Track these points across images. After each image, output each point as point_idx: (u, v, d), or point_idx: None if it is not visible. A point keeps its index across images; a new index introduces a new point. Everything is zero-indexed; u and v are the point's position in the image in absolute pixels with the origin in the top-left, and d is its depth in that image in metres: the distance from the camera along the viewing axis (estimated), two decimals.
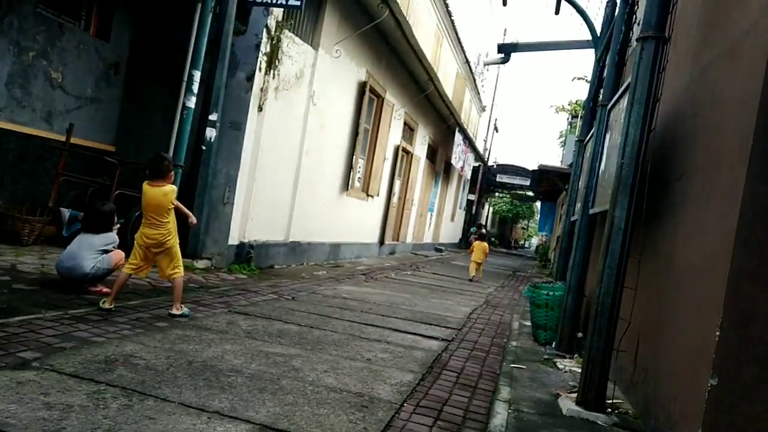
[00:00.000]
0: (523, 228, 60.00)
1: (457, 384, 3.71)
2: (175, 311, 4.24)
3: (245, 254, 7.66)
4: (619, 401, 3.73)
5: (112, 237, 4.72)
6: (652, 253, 3.72)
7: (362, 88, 10.91)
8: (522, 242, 59.04)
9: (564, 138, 21.46)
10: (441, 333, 5.29)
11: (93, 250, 4.54)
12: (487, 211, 41.17)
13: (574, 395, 3.58)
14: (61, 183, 6.51)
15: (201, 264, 6.89)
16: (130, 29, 7.56)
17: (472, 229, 17.10)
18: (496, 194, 40.34)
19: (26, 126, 6.39)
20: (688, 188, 3.25)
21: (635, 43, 3.62)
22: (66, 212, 6.55)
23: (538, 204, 34.53)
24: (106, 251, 4.63)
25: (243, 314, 4.78)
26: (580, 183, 6.32)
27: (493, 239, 42.59)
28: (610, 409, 3.46)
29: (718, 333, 2.42)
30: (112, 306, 4.13)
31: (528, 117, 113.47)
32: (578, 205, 5.79)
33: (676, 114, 3.75)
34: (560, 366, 4.61)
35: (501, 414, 3.23)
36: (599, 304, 3.42)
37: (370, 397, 3.14)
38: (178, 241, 4.34)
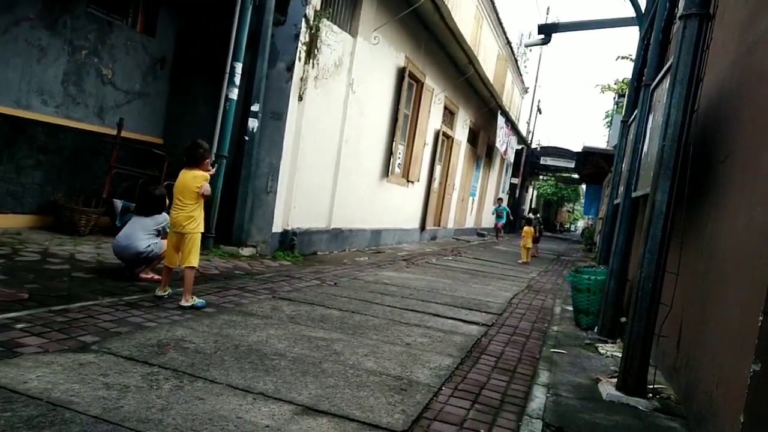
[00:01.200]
0: (568, 211, 58.85)
1: (495, 368, 3.74)
2: (184, 302, 4.14)
3: (289, 241, 7.84)
4: (662, 386, 3.69)
5: (164, 217, 4.87)
6: (694, 237, 3.64)
7: (401, 73, 10.91)
8: (568, 225, 57.94)
9: (610, 118, 20.86)
10: (481, 318, 5.32)
11: (146, 231, 4.75)
12: (531, 194, 40.53)
13: (615, 380, 3.56)
14: (113, 175, 6.81)
15: (246, 252, 7.11)
16: (175, 25, 7.78)
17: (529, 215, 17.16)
18: (541, 177, 39.64)
19: (81, 122, 6.69)
20: (732, 170, 3.17)
21: (678, 21, 3.51)
22: (119, 203, 6.86)
23: (584, 186, 33.77)
24: (159, 232, 4.84)
25: (287, 300, 4.93)
26: (623, 165, 6.19)
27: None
28: (651, 395, 3.44)
29: (761, 318, 2.38)
30: (165, 293, 4.33)
31: (573, 97, 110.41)
32: (621, 188, 5.68)
33: (721, 94, 3.64)
34: (602, 351, 4.58)
35: (539, 398, 3.25)
36: (640, 289, 3.38)
37: (408, 380, 3.21)
38: (200, 235, 4.28)
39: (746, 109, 3.12)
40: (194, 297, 4.23)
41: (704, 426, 2.89)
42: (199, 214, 4.28)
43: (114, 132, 6.81)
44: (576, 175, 30.15)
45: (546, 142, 34.42)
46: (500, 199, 21.47)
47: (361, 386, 3.01)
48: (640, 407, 3.26)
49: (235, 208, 7.08)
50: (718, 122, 3.57)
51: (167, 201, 4.96)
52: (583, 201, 36.87)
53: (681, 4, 4.54)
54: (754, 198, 2.73)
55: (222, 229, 6.98)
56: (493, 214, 21.34)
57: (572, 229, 57.39)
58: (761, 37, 3.03)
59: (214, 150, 6.83)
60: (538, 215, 16.14)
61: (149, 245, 4.73)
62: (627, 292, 5.22)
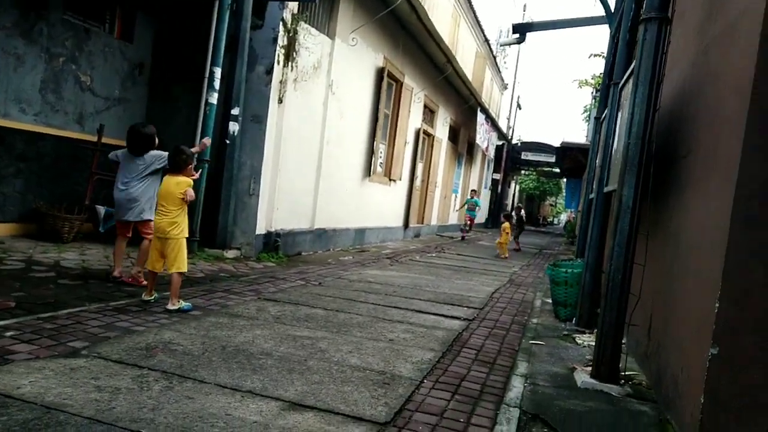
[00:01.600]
0: (551, 205, 59.47)
1: (476, 361, 3.88)
2: (170, 306, 4.20)
3: (273, 243, 7.92)
4: (635, 373, 3.86)
5: (152, 156, 4.93)
6: (661, 230, 3.81)
7: (380, 73, 11.02)
8: (551, 219, 58.55)
9: (588, 113, 21.21)
10: (463, 313, 5.47)
11: (137, 174, 4.88)
12: (513, 189, 40.93)
13: (590, 369, 3.72)
14: (95, 182, 6.83)
15: (231, 254, 7.17)
16: (152, 30, 7.80)
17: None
18: (522, 172, 40.06)
19: (60, 129, 6.70)
20: (692, 166, 3.34)
21: (639, 24, 3.67)
22: (101, 209, 6.88)
23: (565, 180, 34.20)
24: (149, 173, 4.93)
25: (272, 300, 5.03)
26: (597, 161, 6.37)
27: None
28: (623, 381, 3.60)
29: (717, 305, 2.54)
30: (151, 297, 4.40)
31: (552, 92, 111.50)
32: (595, 184, 5.86)
33: (683, 91, 3.81)
34: (579, 341, 4.75)
35: (517, 387, 3.40)
36: (610, 280, 3.54)
37: (391, 374, 3.34)
38: (184, 240, 4.35)
39: (703, 107, 3.29)
40: (180, 300, 4.30)
41: (672, 409, 3.06)
42: (183, 220, 4.35)
43: (95, 138, 6.83)
44: (557, 170, 30.53)
45: (527, 138, 34.77)
46: (474, 191, 19.23)
47: (346, 381, 3.12)
48: (613, 393, 3.42)
49: (218, 212, 7.14)
50: (680, 120, 3.74)
51: (156, 140, 5.06)
52: (564, 195, 37.36)
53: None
54: (710, 192, 2.90)
55: (206, 233, 7.04)
56: (463, 206, 18.48)
57: (555, 222, 58.02)
58: (714, 38, 3.20)
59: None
60: (522, 212, 16.31)
61: (140, 194, 4.87)
62: (603, 284, 5.39)
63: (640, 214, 3.52)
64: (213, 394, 2.73)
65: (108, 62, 7.23)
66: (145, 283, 4.70)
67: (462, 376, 3.50)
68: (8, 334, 3.24)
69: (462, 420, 2.79)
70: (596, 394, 3.40)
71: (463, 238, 16.41)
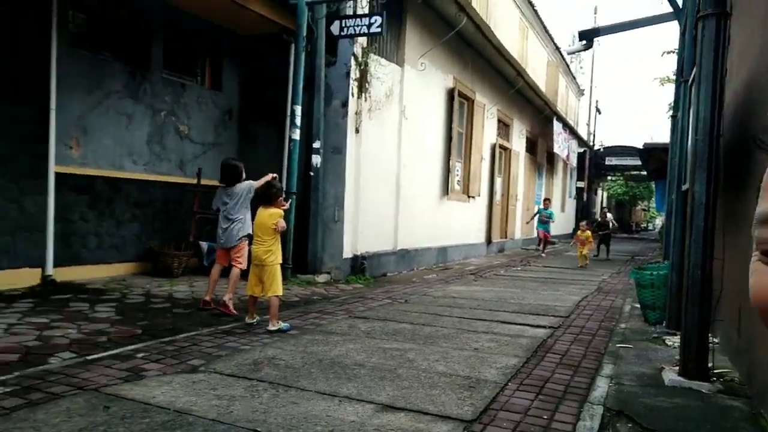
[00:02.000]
0: (643, 209, 56.65)
1: (560, 364, 3.98)
2: (271, 327, 4.60)
3: (359, 265, 8.31)
4: (727, 370, 3.81)
5: (248, 184, 5.37)
6: (739, 224, 3.77)
7: (451, 94, 11.30)
8: (644, 225, 55.74)
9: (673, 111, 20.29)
10: (548, 321, 5.53)
11: (235, 204, 5.31)
12: (600, 196, 39.50)
13: (678, 368, 3.72)
14: (197, 220, 7.53)
15: (321, 278, 7.62)
16: (238, 77, 8.55)
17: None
18: (609, 178, 38.62)
19: (166, 175, 7.49)
20: (765, 158, 3.32)
21: (698, 21, 3.72)
22: (204, 245, 7.57)
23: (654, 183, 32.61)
24: (248, 199, 5.36)
25: (362, 318, 5.35)
26: (676, 160, 6.25)
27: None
28: (714, 378, 3.57)
29: None
30: (254, 320, 4.85)
31: (634, 93, 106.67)
32: (675, 183, 5.77)
33: (752, 82, 3.79)
34: (669, 343, 4.69)
35: (601, 387, 3.47)
36: (689, 277, 3.56)
37: (476, 379, 3.53)
38: (279, 266, 4.75)
39: None
40: (279, 321, 4.71)
41: (766, 403, 3.03)
42: (277, 248, 4.78)
43: (194, 181, 7.55)
44: (645, 172, 29.25)
45: (610, 142, 33.66)
46: (547, 200, 16.58)
47: (433, 386, 3.35)
48: (703, 390, 3.41)
49: (307, 239, 7.64)
50: (751, 114, 3.72)
51: (243, 173, 5.48)
52: (655, 198, 35.58)
53: None
54: None
55: (297, 259, 7.54)
56: (533, 218, 16.37)
57: (650, 228, 55.15)
58: None
59: (284, 187, 7.42)
60: (608, 217, 15.69)
61: (235, 221, 5.29)
62: (684, 282, 5.29)
63: (716, 210, 3.53)
64: (314, 400, 3.05)
65: (202, 111, 8.00)
66: (234, 312, 5.14)
67: (546, 378, 3.62)
68: (139, 355, 3.75)
69: (545, 417, 2.93)
70: (684, 392, 3.41)
71: (541, 252, 14.92)
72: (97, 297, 5.62)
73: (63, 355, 3.71)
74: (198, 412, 2.78)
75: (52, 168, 6.01)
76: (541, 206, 16.06)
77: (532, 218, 16.51)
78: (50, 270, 6.05)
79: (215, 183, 8.14)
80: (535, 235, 18.98)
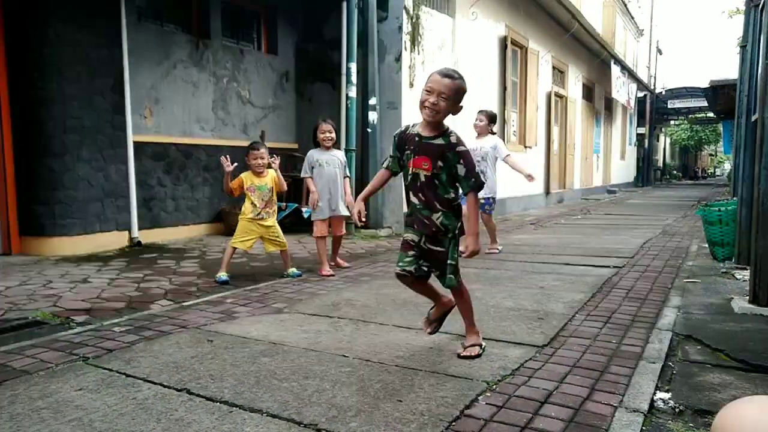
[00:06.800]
0: (710, 154, 54.08)
1: (626, 298, 4.07)
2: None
3: None
4: None
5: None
6: None
7: (504, 42, 11.11)
8: (711, 170, 53.27)
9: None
10: (612, 262, 5.58)
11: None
12: (663, 142, 37.91)
13: (749, 297, 3.74)
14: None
15: (383, 232, 7.87)
16: (292, 40, 8.72)
17: None
18: (672, 122, 36.93)
19: (231, 139, 7.83)
20: None
21: None
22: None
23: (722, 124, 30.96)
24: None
25: None
26: (745, 93, 6.03)
27: (673, 171, 39.17)
28: None
29: None
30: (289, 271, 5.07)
31: (697, 30, 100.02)
32: (743, 116, 5.60)
33: None
34: (738, 276, 4.67)
35: (669, 316, 3.56)
36: (760, 205, 3.55)
37: (544, 312, 3.68)
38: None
39: None
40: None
41: None
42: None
43: None
44: (711, 114, 27.81)
45: (672, 84, 31.96)
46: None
47: (503, 319, 3.53)
48: None
49: None
50: None
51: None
52: (723, 140, 33.85)
53: None
54: None
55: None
56: None
57: (718, 173, 52.64)
58: None
59: (343, 145, 7.63)
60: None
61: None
62: (754, 211, 5.19)
63: None
64: (393, 332, 3.29)
65: (260, 76, 8.26)
66: (346, 265, 5.42)
67: (613, 310, 3.74)
68: (228, 300, 4.10)
69: (614, 341, 3.07)
70: (754, 318, 3.45)
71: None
72: (181, 255, 6.07)
73: (162, 303, 4.11)
74: (290, 342, 3.07)
75: (131, 137, 6.42)
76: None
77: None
78: (136, 232, 6.54)
79: (276, 144, 8.48)
80: (595, 184, 18.59)
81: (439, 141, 2.74)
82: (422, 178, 2.74)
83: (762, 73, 3.53)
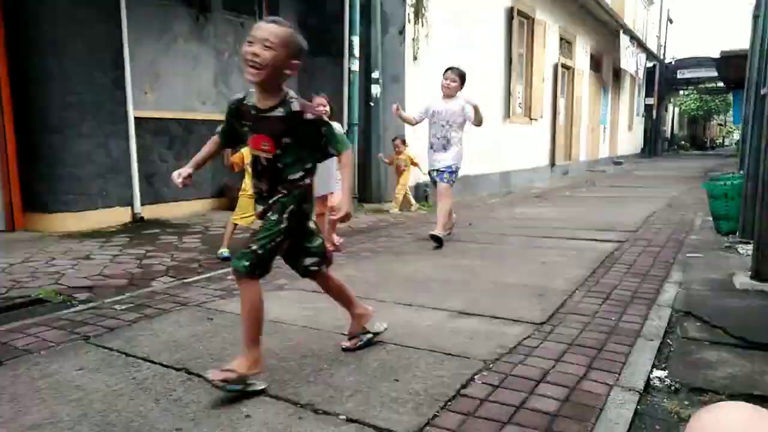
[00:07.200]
0: (719, 124, 53.37)
1: (627, 273, 4.06)
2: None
3: (422, 193, 8.47)
4: None
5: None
6: None
7: (510, 13, 10.90)
8: (720, 141, 52.65)
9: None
10: (615, 236, 5.55)
11: None
12: (671, 113, 37.41)
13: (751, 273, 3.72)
14: None
15: (386, 206, 7.85)
16: (295, 12, 8.58)
17: None
18: (681, 93, 36.37)
19: None
20: None
21: None
22: None
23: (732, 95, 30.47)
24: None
25: (429, 240, 5.54)
26: (756, 64, 5.90)
27: (681, 142, 38.74)
28: None
29: None
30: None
31: None
32: (754, 89, 5.49)
33: None
34: (741, 251, 4.64)
35: (669, 292, 3.55)
36: (765, 182, 3.50)
37: (544, 288, 3.68)
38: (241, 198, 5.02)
39: None
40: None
41: None
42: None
43: None
44: (721, 84, 27.36)
45: (682, 54, 31.37)
46: None
47: (503, 295, 3.53)
48: None
49: (371, 169, 7.83)
50: None
51: None
52: (732, 111, 33.35)
53: None
54: None
55: (363, 190, 7.77)
56: None
57: (727, 143, 52.04)
58: None
59: (345, 119, 7.58)
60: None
61: None
62: (759, 187, 5.13)
63: None
64: (393, 308, 3.30)
65: None
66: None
67: (614, 286, 3.73)
68: (229, 277, 4.09)
69: (613, 318, 3.07)
70: (756, 294, 3.44)
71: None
72: (183, 230, 6.09)
73: (163, 280, 4.13)
74: (290, 320, 3.09)
75: (131, 113, 6.38)
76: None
77: None
78: (138, 208, 6.55)
79: None
80: (602, 156, 18.41)
81: (279, 112, 2.20)
82: (263, 162, 2.25)
83: None
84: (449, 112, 5.33)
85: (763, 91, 4.71)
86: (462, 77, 5.38)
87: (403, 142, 7.56)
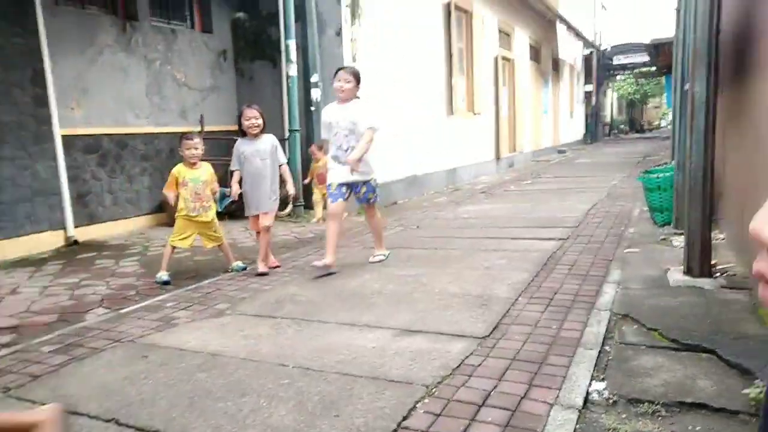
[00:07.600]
0: (655, 107, 55.42)
1: (569, 275, 4.13)
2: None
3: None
4: (731, 265, 3.93)
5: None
6: (743, 121, 3.76)
7: (447, 9, 10.93)
8: (657, 123, 54.70)
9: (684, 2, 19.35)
10: (557, 234, 5.65)
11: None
12: (610, 98, 38.59)
13: (683, 267, 3.84)
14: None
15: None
16: (228, 17, 8.34)
17: None
18: (618, 77, 37.55)
19: (168, 126, 7.50)
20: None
21: None
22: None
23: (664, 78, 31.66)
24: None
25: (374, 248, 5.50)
26: (680, 58, 6.11)
27: (621, 126, 40.06)
28: (718, 274, 3.70)
29: None
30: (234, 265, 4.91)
31: None
32: (680, 82, 5.68)
33: None
34: (675, 243, 4.80)
35: (608, 293, 3.62)
36: (691, 178, 3.61)
37: (488, 296, 3.69)
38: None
39: None
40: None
41: None
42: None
43: (198, 128, 7.57)
44: (654, 68, 28.39)
45: (617, 40, 32.34)
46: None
47: (447, 307, 3.52)
48: (706, 287, 3.55)
49: None
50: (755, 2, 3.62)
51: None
52: (665, 94, 34.68)
53: None
54: None
55: (308, 197, 7.65)
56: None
57: (662, 125, 54.14)
58: None
59: (286, 125, 7.44)
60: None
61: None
62: (686, 182, 5.33)
63: (716, 109, 3.52)
64: (336, 331, 3.24)
65: (196, 56, 7.89)
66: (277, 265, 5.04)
67: (555, 290, 3.78)
68: (168, 305, 3.96)
69: (554, 327, 3.10)
70: (688, 290, 3.55)
71: None
72: (121, 252, 5.84)
73: (97, 311, 3.94)
74: (229, 352, 2.99)
75: (57, 131, 6.06)
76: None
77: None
78: (71, 231, 6.25)
79: (218, 128, 8.19)
80: (546, 145, 18.79)
81: None
82: None
83: (691, 46, 3.53)
84: (348, 119, 4.61)
85: (685, 87, 4.86)
86: (356, 76, 4.68)
87: (320, 148, 6.96)
